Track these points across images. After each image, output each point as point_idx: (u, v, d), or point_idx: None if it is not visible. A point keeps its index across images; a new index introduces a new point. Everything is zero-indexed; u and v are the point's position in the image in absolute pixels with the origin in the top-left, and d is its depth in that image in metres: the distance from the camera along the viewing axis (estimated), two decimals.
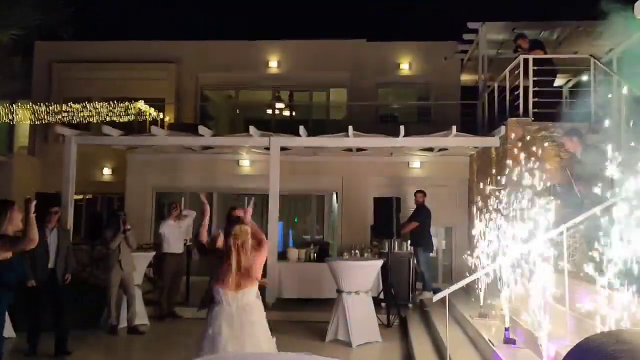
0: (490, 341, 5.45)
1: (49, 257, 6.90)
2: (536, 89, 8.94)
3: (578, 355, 1.30)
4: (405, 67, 14.37)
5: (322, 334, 7.72)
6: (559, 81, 11.00)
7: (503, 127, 9.11)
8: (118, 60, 14.39)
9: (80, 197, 13.20)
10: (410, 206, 10.89)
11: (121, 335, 8.02)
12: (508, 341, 5.36)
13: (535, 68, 8.94)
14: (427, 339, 7.36)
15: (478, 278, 6.24)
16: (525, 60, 9.00)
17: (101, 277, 9.03)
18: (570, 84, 12.45)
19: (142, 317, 8.48)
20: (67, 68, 14.79)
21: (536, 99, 8.91)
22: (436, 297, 5.28)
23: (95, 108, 13.66)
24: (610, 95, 8.68)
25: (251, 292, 4.26)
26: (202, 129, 10.33)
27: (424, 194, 10.38)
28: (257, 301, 4.40)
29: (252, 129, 10.11)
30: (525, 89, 8.99)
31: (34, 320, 6.84)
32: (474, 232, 7.10)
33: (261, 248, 4.35)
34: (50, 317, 6.86)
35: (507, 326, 5.49)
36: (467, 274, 6.06)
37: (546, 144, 8.45)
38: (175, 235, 9.27)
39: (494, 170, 9.54)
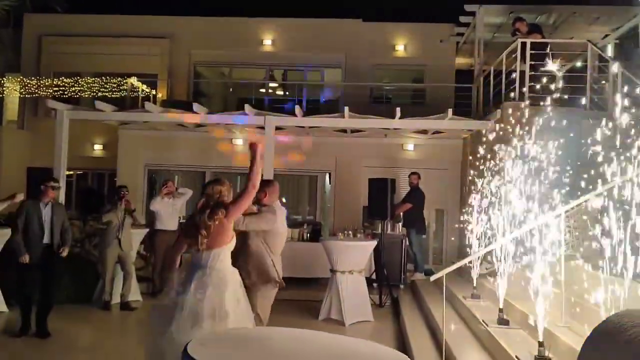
0: (484, 322, 5.50)
1: (44, 232, 6.57)
2: (532, 73, 8.95)
3: (599, 339, 1.30)
4: (400, 49, 14.27)
5: (315, 313, 7.80)
6: (554, 66, 11.01)
7: (498, 111, 9.13)
8: (110, 34, 14.12)
9: (71, 172, 13.07)
10: (403, 188, 10.92)
11: (114, 311, 8.02)
12: (502, 322, 5.42)
13: (533, 52, 8.93)
14: (419, 319, 7.43)
15: (472, 260, 6.29)
16: (523, 44, 8.99)
17: (92, 252, 9.00)
18: (565, 69, 12.46)
19: (134, 294, 8.48)
20: (57, 42, 14.47)
21: (532, 84, 8.91)
22: (434, 277, 5.31)
23: (87, 83, 13.47)
24: (603, 82, 8.71)
25: (220, 255, 4.01)
26: (196, 106, 10.23)
27: (419, 176, 10.40)
28: (231, 272, 4.08)
29: (247, 107, 10.04)
30: (522, 72, 8.98)
31: (27, 297, 6.66)
32: (466, 216, 7.13)
33: (241, 198, 4.10)
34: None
35: (500, 307, 5.54)
36: (458, 255, 6.10)
37: (541, 128, 8.46)
38: (169, 212, 9.22)
39: (487, 154, 9.55)
